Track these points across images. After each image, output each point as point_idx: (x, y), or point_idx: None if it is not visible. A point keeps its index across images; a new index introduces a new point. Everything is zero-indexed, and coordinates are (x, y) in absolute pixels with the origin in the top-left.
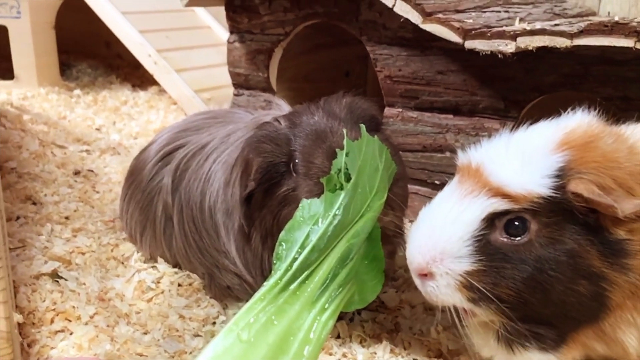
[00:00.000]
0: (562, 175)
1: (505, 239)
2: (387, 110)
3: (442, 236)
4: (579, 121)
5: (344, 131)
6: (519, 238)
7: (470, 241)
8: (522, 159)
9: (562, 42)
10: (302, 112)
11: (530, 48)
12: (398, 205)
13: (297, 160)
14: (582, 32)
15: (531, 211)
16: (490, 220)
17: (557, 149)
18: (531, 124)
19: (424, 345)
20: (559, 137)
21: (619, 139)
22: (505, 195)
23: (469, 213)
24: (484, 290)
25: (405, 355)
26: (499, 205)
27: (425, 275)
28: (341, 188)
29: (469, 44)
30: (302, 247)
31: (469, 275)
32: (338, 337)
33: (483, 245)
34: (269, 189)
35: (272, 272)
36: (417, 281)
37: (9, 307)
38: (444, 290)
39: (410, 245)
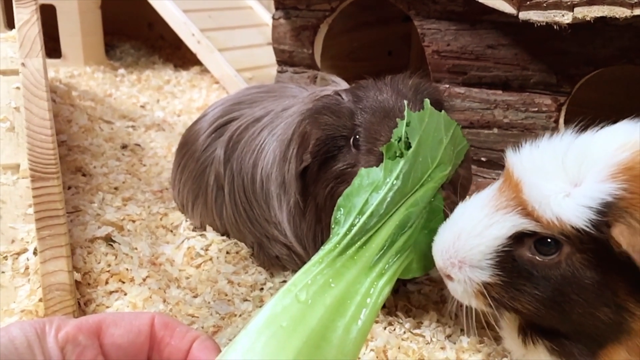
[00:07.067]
0: (608, 212)
1: (533, 256)
2: None
3: (465, 246)
4: None
5: (405, 102)
6: (548, 257)
7: (492, 255)
8: (566, 179)
9: (621, 12)
10: (368, 87)
11: (588, 18)
12: (463, 188)
13: (358, 136)
14: None
15: (564, 236)
16: (519, 237)
17: (612, 176)
18: (608, 124)
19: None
20: (620, 159)
21: None
22: (537, 218)
23: (496, 229)
24: (500, 302)
25: (452, 325)
26: (529, 226)
27: (448, 276)
28: (401, 156)
29: (524, 15)
30: (361, 212)
31: (487, 286)
32: (383, 307)
33: (506, 260)
34: (324, 163)
35: (330, 236)
36: (443, 277)
37: (71, 261)
38: (461, 294)
39: (436, 245)
